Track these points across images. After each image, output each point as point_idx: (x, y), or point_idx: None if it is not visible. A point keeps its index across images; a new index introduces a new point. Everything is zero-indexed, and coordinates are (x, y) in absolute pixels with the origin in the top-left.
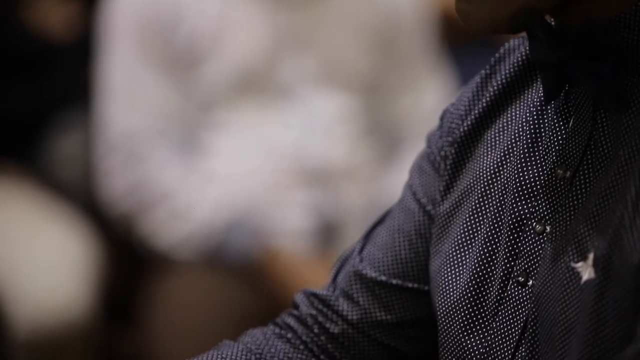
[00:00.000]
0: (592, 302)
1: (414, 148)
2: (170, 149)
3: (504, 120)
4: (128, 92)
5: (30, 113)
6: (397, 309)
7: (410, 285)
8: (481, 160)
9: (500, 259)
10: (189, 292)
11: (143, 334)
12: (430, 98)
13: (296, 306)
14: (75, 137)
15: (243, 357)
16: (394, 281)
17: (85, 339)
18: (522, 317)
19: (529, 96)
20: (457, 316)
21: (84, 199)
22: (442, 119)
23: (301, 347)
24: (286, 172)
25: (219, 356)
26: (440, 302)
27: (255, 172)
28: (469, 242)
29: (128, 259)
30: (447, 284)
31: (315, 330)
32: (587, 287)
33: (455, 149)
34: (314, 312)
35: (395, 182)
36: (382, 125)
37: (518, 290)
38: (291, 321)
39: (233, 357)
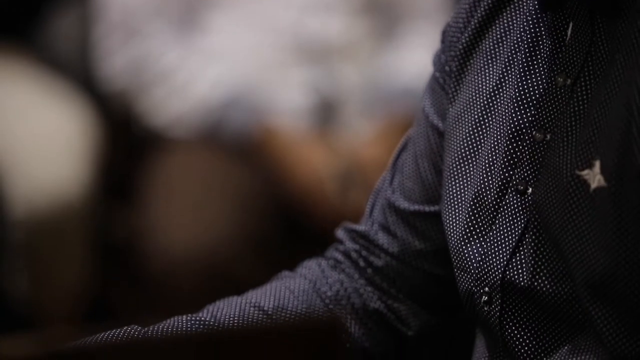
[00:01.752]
0: (610, 210)
1: (412, 27)
2: (169, 27)
3: (501, 29)
4: None
5: None
6: (434, 236)
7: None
8: (482, 72)
9: (498, 168)
10: (186, 170)
11: (140, 212)
12: None
13: (340, 241)
14: (74, 14)
15: (305, 286)
16: (426, 208)
17: (82, 217)
18: (520, 225)
19: (524, 3)
20: (458, 226)
21: (82, 76)
22: (443, 35)
23: (355, 276)
24: (284, 50)
25: (285, 288)
26: (445, 214)
27: (254, 50)
28: (472, 155)
29: (126, 137)
30: (452, 196)
31: (361, 264)
32: (598, 195)
33: (458, 61)
34: (357, 247)
35: (392, 61)
36: (380, 4)
37: (517, 198)
38: (339, 256)
39: (298, 287)
